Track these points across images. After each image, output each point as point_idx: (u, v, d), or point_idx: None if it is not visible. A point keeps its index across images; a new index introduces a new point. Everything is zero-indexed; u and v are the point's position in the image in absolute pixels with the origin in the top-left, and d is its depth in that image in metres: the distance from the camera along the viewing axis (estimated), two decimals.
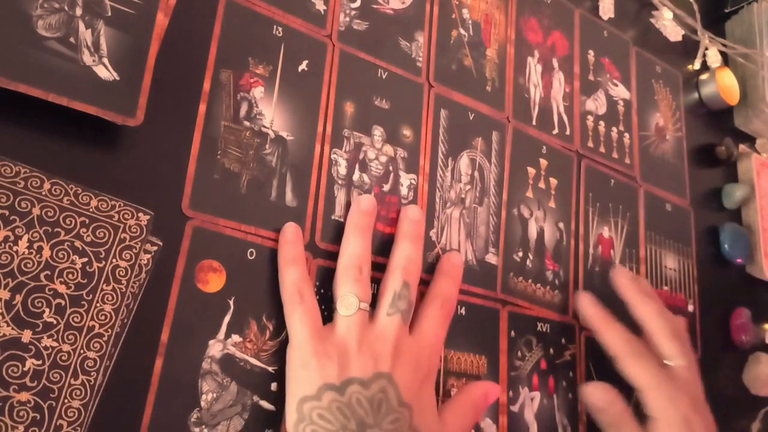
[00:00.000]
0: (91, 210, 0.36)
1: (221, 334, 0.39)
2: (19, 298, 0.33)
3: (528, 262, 0.55)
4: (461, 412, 0.45)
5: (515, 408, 0.51)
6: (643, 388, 0.51)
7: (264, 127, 0.44)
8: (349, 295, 0.41)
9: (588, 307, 0.54)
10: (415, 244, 0.46)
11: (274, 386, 0.41)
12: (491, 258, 0.53)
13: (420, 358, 0.42)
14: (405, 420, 0.40)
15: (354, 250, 0.43)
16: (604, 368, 0.53)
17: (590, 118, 0.64)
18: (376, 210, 0.46)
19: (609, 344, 0.53)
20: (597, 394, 0.52)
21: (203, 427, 0.38)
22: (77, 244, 0.35)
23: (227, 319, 0.40)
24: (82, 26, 0.37)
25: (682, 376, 0.52)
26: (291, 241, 0.42)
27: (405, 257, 0.45)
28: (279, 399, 0.41)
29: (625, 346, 0.52)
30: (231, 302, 0.40)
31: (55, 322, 0.34)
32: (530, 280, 0.55)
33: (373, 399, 0.39)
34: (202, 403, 0.38)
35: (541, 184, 0.58)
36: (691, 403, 0.51)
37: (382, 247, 0.46)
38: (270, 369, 0.41)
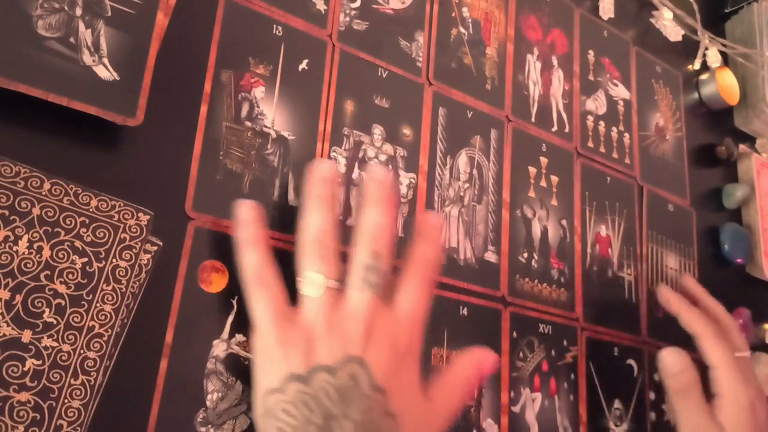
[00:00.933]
0: (91, 210, 0.36)
1: (225, 334, 0.39)
2: (19, 298, 0.33)
3: (533, 262, 0.55)
4: (450, 389, 0.41)
5: (516, 409, 0.51)
6: (718, 365, 0.54)
7: (265, 127, 0.44)
8: (313, 274, 0.37)
9: (669, 295, 0.60)
10: (383, 208, 0.40)
11: None
12: (490, 256, 0.53)
13: (398, 333, 0.38)
14: (379, 406, 0.35)
15: (315, 223, 0.39)
16: (605, 370, 0.53)
17: (590, 118, 0.64)
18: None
19: (690, 324, 0.57)
20: (671, 359, 0.54)
21: (209, 426, 0.38)
22: (77, 244, 0.35)
23: (231, 318, 0.40)
24: (82, 26, 0.37)
25: (749, 366, 0.56)
26: (245, 221, 0.39)
27: (372, 224, 0.39)
28: None
29: (705, 328, 0.56)
30: (234, 302, 0.40)
31: (55, 322, 0.34)
32: (536, 280, 0.55)
33: (342, 387, 0.35)
34: (208, 403, 0.38)
35: (543, 183, 0.58)
36: (757, 392, 0.54)
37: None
38: None
